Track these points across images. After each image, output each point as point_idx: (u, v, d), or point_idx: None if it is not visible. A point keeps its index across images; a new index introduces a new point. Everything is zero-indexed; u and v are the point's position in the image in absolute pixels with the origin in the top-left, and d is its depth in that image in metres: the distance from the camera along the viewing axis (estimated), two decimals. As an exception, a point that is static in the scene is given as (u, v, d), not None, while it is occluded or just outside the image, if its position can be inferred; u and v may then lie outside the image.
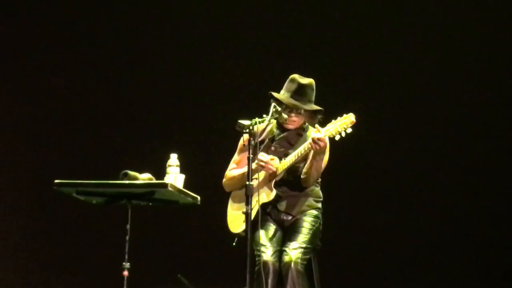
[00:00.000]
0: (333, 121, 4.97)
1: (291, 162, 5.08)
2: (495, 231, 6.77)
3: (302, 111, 5.17)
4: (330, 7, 7.23)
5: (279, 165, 5.09)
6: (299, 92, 5.17)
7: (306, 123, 5.28)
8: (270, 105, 5.05)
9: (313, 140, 4.91)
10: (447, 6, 7.03)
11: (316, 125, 4.97)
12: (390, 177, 6.89)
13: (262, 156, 5.04)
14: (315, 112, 5.21)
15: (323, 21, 7.25)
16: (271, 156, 5.11)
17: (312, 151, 4.99)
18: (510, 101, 6.89)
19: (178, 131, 7.23)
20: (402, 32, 7.10)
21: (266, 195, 5.10)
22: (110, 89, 7.46)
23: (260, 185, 5.01)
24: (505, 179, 6.82)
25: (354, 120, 4.91)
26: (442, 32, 7.04)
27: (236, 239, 5.13)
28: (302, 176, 5.14)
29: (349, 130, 4.91)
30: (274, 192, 5.09)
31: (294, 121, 5.18)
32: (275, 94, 5.18)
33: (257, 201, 4.87)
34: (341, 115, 4.93)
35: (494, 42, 6.95)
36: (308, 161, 5.07)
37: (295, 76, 5.23)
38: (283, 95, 5.18)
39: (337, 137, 4.93)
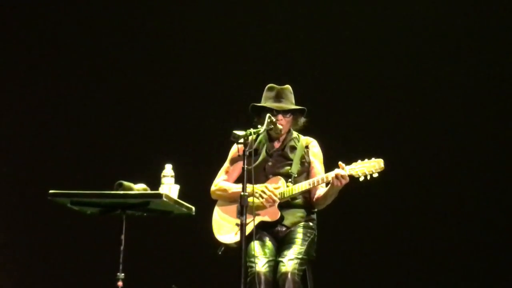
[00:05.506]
0: (359, 161, 4.88)
1: (300, 190, 5.05)
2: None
3: (288, 115, 5.18)
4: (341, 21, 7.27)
5: (286, 189, 5.07)
6: (280, 96, 5.21)
7: (296, 134, 5.30)
8: (254, 117, 5.14)
9: (336, 176, 4.88)
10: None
11: (340, 162, 4.90)
12: (386, 187, 6.88)
13: (267, 189, 5.02)
14: (299, 113, 5.22)
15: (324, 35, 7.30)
16: (276, 185, 5.08)
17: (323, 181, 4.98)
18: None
19: (173, 142, 7.23)
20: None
21: (269, 216, 5.07)
22: (105, 100, 7.46)
23: (263, 204, 5.03)
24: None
25: (383, 167, 4.82)
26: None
27: (222, 247, 5.12)
28: (314, 200, 5.16)
29: (376, 175, 4.82)
30: (279, 214, 5.07)
31: (282, 125, 5.18)
32: (257, 104, 5.21)
33: (253, 218, 4.85)
34: (369, 158, 4.85)
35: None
36: (324, 191, 5.07)
37: (271, 84, 5.28)
38: (265, 103, 5.21)
39: (361, 178, 4.86)
